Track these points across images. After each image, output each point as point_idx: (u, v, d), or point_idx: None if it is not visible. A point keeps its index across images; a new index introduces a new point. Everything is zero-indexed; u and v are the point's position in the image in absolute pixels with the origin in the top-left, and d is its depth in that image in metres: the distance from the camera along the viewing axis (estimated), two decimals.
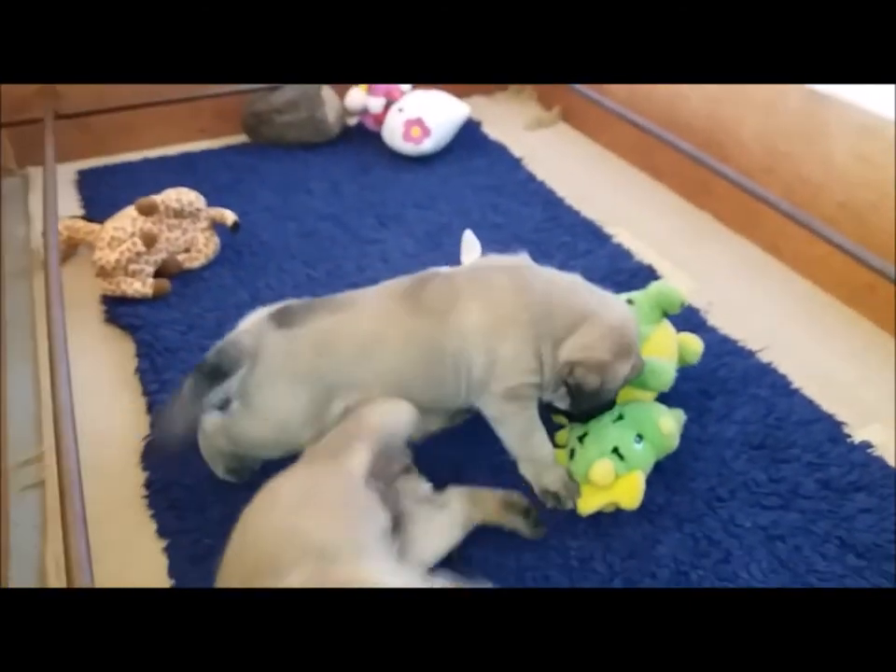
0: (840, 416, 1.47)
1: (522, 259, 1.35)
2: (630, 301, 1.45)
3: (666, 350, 1.43)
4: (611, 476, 1.26)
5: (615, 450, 1.28)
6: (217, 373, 1.24)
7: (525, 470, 1.32)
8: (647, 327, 1.42)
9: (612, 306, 1.31)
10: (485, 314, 1.26)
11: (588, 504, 1.27)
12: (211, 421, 1.31)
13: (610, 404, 1.32)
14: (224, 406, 1.32)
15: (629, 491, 1.26)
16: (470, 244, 1.77)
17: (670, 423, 1.32)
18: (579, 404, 1.29)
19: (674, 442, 1.33)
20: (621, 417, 1.32)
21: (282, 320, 1.27)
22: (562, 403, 1.32)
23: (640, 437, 1.30)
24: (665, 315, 1.47)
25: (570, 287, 1.32)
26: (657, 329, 1.44)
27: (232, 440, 1.30)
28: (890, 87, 1.67)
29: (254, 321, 1.30)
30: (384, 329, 1.26)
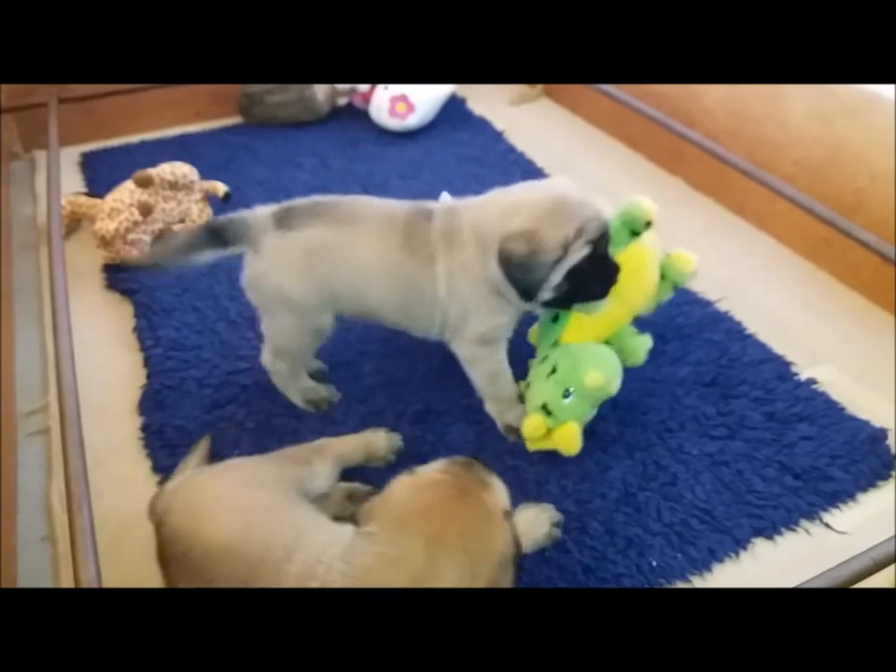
0: (790, 357, 1.56)
1: (442, 202, 1.38)
2: None
3: (634, 272, 1.36)
4: (541, 430, 1.33)
5: (544, 406, 1.34)
6: (218, 237, 1.34)
7: (490, 409, 1.44)
8: (613, 248, 1.33)
9: (539, 186, 1.32)
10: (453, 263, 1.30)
11: (535, 446, 1.37)
12: (264, 355, 1.45)
13: (596, 287, 1.28)
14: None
15: (565, 440, 1.32)
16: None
17: (597, 376, 1.29)
18: (516, 282, 1.24)
19: (608, 390, 1.32)
20: (554, 371, 1.35)
21: (282, 220, 1.33)
22: (536, 306, 1.32)
23: (568, 392, 1.32)
24: (634, 234, 1.39)
25: (489, 201, 1.31)
26: (624, 251, 1.37)
27: (274, 349, 1.42)
28: None
29: (257, 215, 1.36)
30: (372, 257, 1.32)
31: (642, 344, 1.41)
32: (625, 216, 1.39)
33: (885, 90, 1.65)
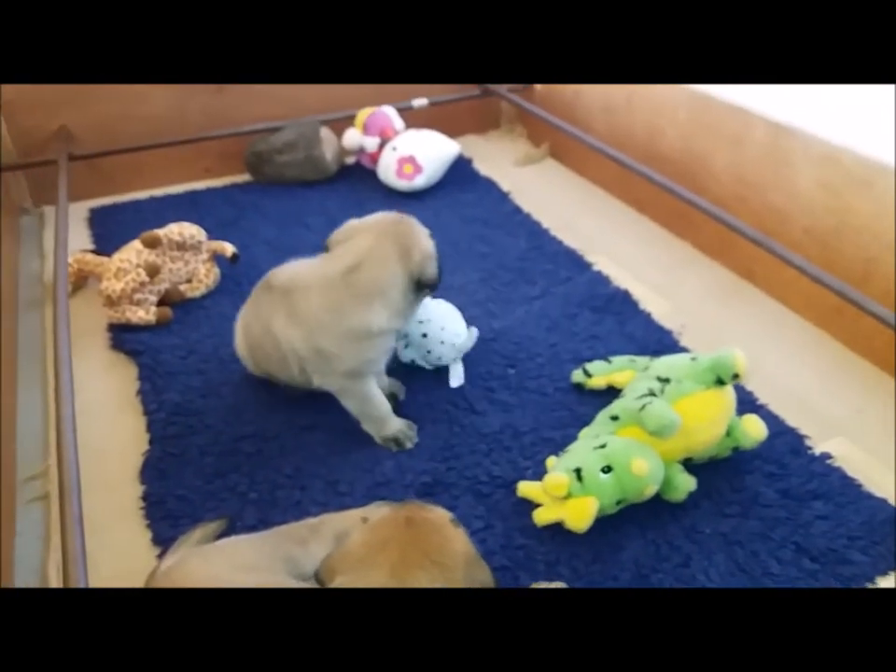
0: (803, 430, 1.54)
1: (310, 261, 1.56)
2: (694, 359, 1.46)
3: (699, 414, 1.38)
4: (562, 490, 1.30)
5: (578, 470, 1.32)
6: None
7: (368, 428, 1.54)
8: (695, 385, 1.40)
9: (383, 227, 1.50)
10: (301, 321, 1.48)
11: (542, 517, 1.34)
12: None
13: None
14: None
15: (578, 512, 1.29)
16: None
17: (643, 465, 1.31)
18: (437, 282, 1.52)
19: (648, 487, 1.32)
20: (603, 447, 1.35)
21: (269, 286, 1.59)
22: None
23: (609, 468, 1.31)
24: (720, 381, 1.41)
25: (352, 258, 1.46)
26: (705, 392, 1.40)
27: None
28: (850, 118, 1.78)
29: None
30: (250, 319, 1.63)
31: (685, 484, 1.37)
32: (717, 361, 1.41)
33: (890, 161, 1.66)
